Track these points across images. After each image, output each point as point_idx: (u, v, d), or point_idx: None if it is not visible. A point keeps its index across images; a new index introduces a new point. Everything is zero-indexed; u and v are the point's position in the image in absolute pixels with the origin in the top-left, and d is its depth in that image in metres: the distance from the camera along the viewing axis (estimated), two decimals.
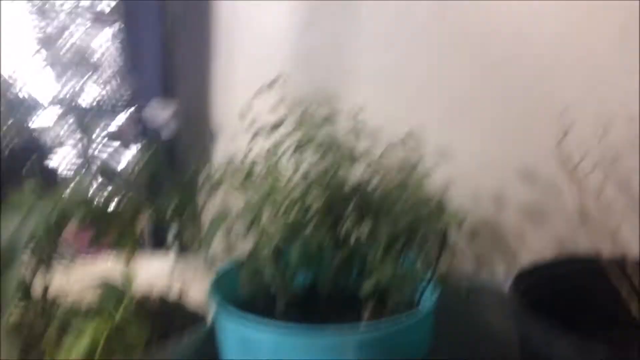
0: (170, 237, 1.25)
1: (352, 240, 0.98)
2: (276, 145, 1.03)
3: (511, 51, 0.96)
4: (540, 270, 0.92)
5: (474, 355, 1.09)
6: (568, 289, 0.93)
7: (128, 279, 0.86)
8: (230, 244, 1.23)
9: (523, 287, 0.89)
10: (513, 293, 0.85)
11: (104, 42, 1.27)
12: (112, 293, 0.83)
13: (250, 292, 0.90)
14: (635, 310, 0.82)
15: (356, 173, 1.05)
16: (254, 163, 1.00)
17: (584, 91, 0.93)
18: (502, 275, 1.05)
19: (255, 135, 1.03)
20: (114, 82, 1.27)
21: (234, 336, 0.85)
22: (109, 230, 0.91)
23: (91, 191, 0.94)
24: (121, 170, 1.06)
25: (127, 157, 1.21)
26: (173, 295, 1.15)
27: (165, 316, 1.08)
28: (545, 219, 1.00)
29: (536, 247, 1.02)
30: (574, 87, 0.94)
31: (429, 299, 0.88)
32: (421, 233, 0.84)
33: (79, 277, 1.07)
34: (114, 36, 1.21)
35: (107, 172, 0.92)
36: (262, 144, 1.02)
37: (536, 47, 0.95)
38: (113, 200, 0.93)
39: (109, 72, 1.27)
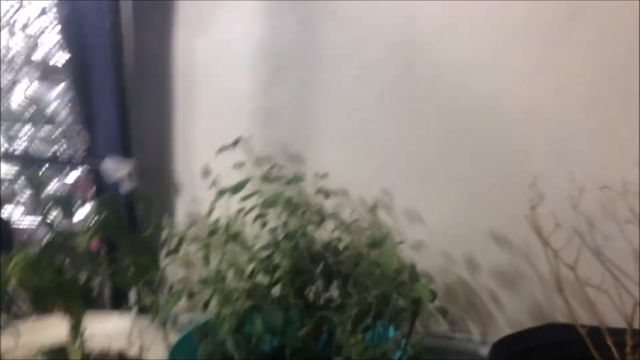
0: (130, 298, 1.19)
1: (321, 304, 0.94)
2: (242, 205, 1.00)
3: (480, 120, 0.95)
4: (518, 338, 0.89)
5: None
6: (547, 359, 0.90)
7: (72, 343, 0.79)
8: (193, 306, 1.18)
9: (502, 357, 0.85)
10: None
11: (58, 96, 1.23)
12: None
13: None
14: None
15: (324, 234, 1.01)
16: (217, 224, 0.95)
17: (555, 158, 0.92)
18: (478, 338, 1.02)
19: (219, 194, 0.98)
20: (69, 137, 1.21)
21: None
22: (56, 295, 0.84)
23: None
24: (75, 228, 1.00)
25: (83, 213, 1.15)
26: (133, 353, 1.11)
27: None
28: (520, 284, 0.97)
29: (512, 311, 0.99)
30: (545, 153, 0.93)
31: None
32: (392, 304, 0.79)
33: (28, 338, 1.03)
34: (68, 90, 1.16)
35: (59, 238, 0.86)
36: (226, 203, 0.98)
37: (507, 114, 0.94)
38: (63, 265, 0.86)
39: (64, 126, 1.22)
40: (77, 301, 0.81)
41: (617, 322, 0.86)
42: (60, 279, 0.87)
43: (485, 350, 0.86)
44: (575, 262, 0.84)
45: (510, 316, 0.99)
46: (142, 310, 1.15)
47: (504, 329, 0.99)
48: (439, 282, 1.02)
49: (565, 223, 0.88)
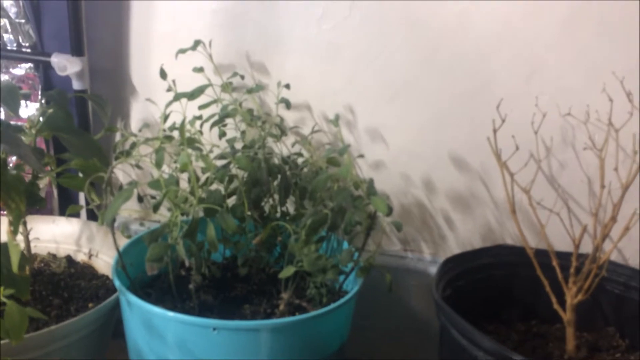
0: (80, 203, 1.16)
1: (277, 217, 0.93)
2: (200, 114, 0.95)
3: (451, 37, 0.92)
4: (467, 257, 0.91)
5: (396, 335, 1.08)
6: (493, 279, 0.92)
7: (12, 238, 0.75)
8: (145, 213, 1.16)
9: (448, 276, 0.87)
10: (437, 282, 0.83)
11: None
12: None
13: (162, 268, 0.82)
14: (555, 303, 0.82)
15: (284, 149, 0.99)
16: (173, 128, 0.91)
17: (520, 85, 0.91)
18: (429, 257, 1.04)
19: (175, 98, 0.94)
20: (14, 30, 1.11)
21: (137, 319, 0.78)
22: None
23: None
24: (21, 125, 0.94)
25: (29, 110, 1.08)
26: (81, 257, 1.09)
27: (72, 276, 1.03)
28: (474, 206, 0.98)
29: (464, 233, 1.00)
30: (515, 76, 0.91)
31: (351, 283, 0.85)
32: (347, 217, 0.78)
33: None
34: None
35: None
36: (183, 110, 0.93)
37: (476, 38, 0.91)
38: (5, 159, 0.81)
39: (10, 16, 1.12)
40: (18, 195, 0.76)
41: (565, 248, 0.89)
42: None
43: (434, 269, 0.88)
44: (530, 186, 0.85)
45: (462, 238, 1.00)
46: (93, 215, 1.12)
47: (455, 250, 1.00)
48: (395, 202, 1.02)
49: (524, 148, 0.88)
